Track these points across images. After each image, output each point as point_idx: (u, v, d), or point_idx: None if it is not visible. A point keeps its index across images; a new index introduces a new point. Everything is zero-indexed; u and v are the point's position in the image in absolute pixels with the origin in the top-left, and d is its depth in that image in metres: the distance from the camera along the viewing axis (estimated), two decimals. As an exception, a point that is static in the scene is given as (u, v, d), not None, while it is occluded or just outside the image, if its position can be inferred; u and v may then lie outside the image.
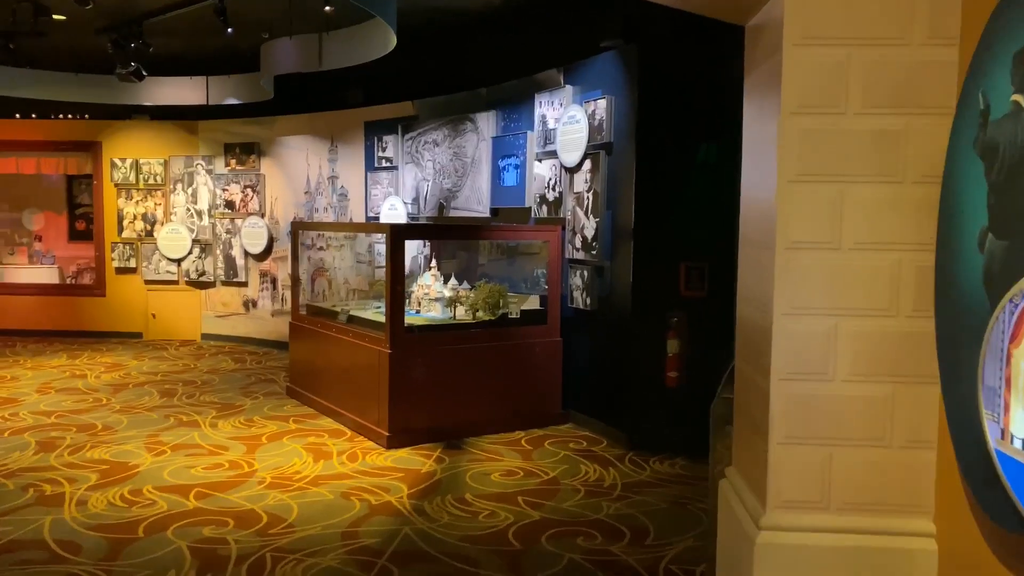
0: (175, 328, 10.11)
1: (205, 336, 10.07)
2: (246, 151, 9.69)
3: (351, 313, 6.29)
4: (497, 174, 6.83)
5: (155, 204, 10.03)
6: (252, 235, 9.61)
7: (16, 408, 6.47)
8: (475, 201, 7.17)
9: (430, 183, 7.69)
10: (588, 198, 5.78)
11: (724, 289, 5.20)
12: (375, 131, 8.36)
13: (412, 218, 7.93)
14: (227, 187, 9.79)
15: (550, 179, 6.22)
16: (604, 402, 5.81)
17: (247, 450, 5.38)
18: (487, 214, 6.99)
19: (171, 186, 10.00)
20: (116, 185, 10.03)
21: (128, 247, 10.05)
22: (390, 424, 5.44)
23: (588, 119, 5.73)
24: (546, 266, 6.32)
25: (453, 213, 7.39)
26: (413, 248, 7.96)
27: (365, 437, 5.68)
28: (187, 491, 4.56)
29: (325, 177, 9.06)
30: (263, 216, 9.61)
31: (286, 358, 8.54)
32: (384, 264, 7.82)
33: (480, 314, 5.99)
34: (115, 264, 10.08)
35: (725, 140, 5.24)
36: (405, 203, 7.99)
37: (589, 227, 5.76)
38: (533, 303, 6.24)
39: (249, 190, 9.67)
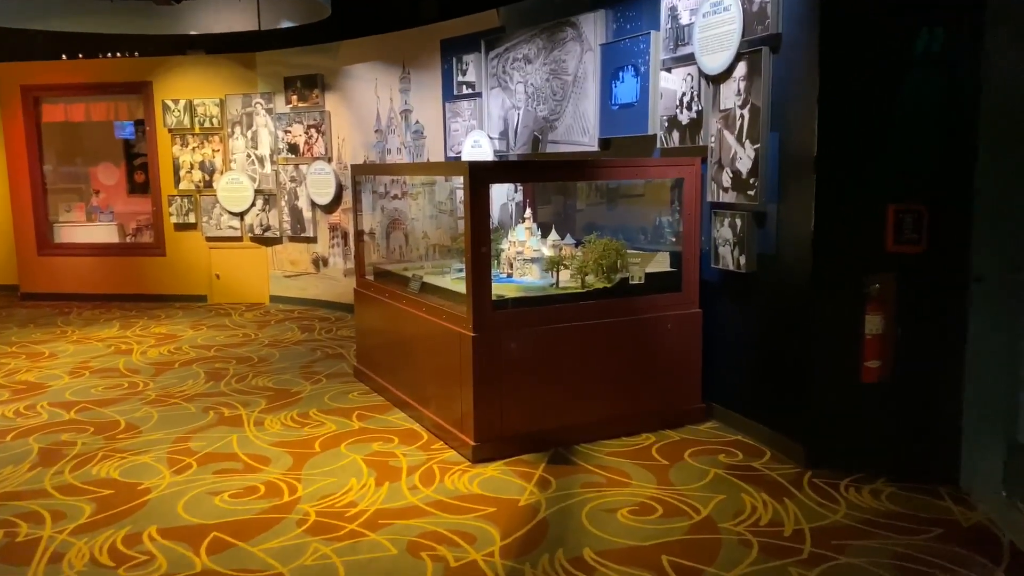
0: (241, 290, 9.03)
1: (274, 299, 8.95)
2: (308, 85, 8.36)
3: (424, 279, 4.90)
4: (608, 94, 5.25)
5: (212, 151, 8.88)
6: (318, 183, 8.35)
7: (38, 397, 5.42)
8: (579, 131, 5.62)
9: (521, 111, 6.18)
10: (742, 117, 4.16)
11: (954, 241, 3.55)
12: (453, 50, 6.86)
13: (500, 156, 6.46)
14: (289, 128, 8.53)
15: (683, 95, 4.62)
16: (766, 398, 4.27)
17: (293, 463, 4.12)
18: (595, 147, 5.44)
19: (229, 129, 8.81)
20: (170, 130, 8.91)
21: (186, 200, 8.97)
22: (476, 429, 4.07)
23: (742, 3, 4.08)
24: (677, 213, 4.75)
25: (551, 148, 5.87)
26: (502, 194, 6.50)
27: (445, 443, 4.34)
28: (200, 537, 3.32)
29: (397, 111, 7.65)
30: (330, 160, 8.32)
31: (357, 327, 7.31)
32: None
33: (591, 279, 4.50)
34: (173, 219, 9.02)
35: (955, 21, 3.52)
36: (491, 138, 6.51)
37: (744, 158, 4.16)
38: (661, 263, 4.71)
39: (313, 131, 8.38)
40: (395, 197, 7.83)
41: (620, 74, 5.13)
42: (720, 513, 3.46)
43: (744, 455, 4.12)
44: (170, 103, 8.82)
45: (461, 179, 4.54)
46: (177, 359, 6.47)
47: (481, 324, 4.03)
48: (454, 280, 4.79)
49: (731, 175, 4.27)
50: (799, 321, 3.95)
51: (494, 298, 4.11)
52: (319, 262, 8.64)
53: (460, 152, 6.79)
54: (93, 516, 3.55)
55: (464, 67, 6.75)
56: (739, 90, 4.17)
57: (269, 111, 8.63)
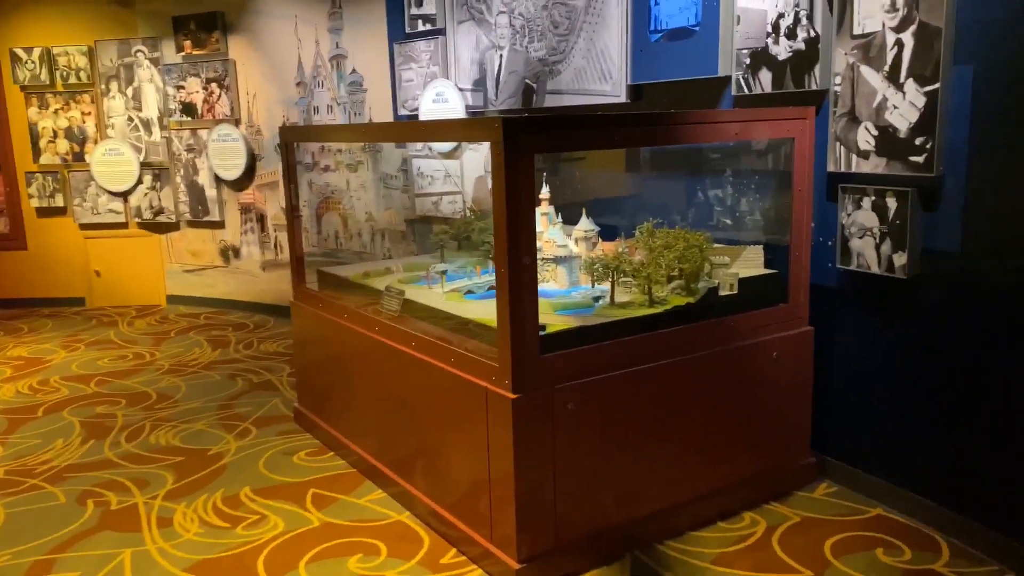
0: (129, 290, 7.17)
1: (172, 300, 7.14)
2: (205, 26, 6.52)
3: (405, 295, 3.33)
4: (644, 20, 3.77)
5: (82, 114, 6.93)
6: (224, 152, 6.57)
7: None
8: (595, 76, 4.12)
9: (505, 52, 4.62)
10: (899, 44, 2.75)
11: None
12: (403, -25, 5.21)
13: (474, 113, 4.90)
14: (183, 83, 6.68)
15: (780, 16, 3.18)
16: (934, 459, 2.93)
17: (226, 612, 2.56)
18: (621, 97, 3.97)
19: (102, 86, 6.88)
20: (23, 88, 6.90)
21: (51, 178, 7.01)
22: (520, 542, 2.59)
23: None
24: (771, 189, 3.35)
25: (552, 101, 4.36)
26: (481, 162, 4.96)
27: (460, 550, 2.85)
28: None
29: (326, 58, 5.95)
30: (238, 123, 6.54)
31: (288, 334, 5.68)
32: (441, 191, 4.93)
33: (663, 292, 3.05)
34: (34, 203, 7.06)
35: None
36: (461, 89, 4.93)
37: (902, 106, 2.76)
38: (752, 261, 3.30)
39: (214, 86, 6.56)
40: (326, 169, 6.16)
41: (666, -8, 3.64)
42: None
43: (911, 547, 2.79)
44: (21, 52, 6.80)
45: (466, 148, 2.98)
46: (41, 401, 4.70)
47: (525, 377, 2.53)
48: (449, 295, 3.23)
49: (875, 133, 2.87)
50: (1006, 352, 2.61)
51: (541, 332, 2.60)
52: (229, 252, 6.88)
53: (417, 109, 5.18)
54: None
55: (419, -4, 5.11)
56: (893, 3, 2.76)
57: (155, 62, 6.74)
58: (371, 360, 3.37)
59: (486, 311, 2.90)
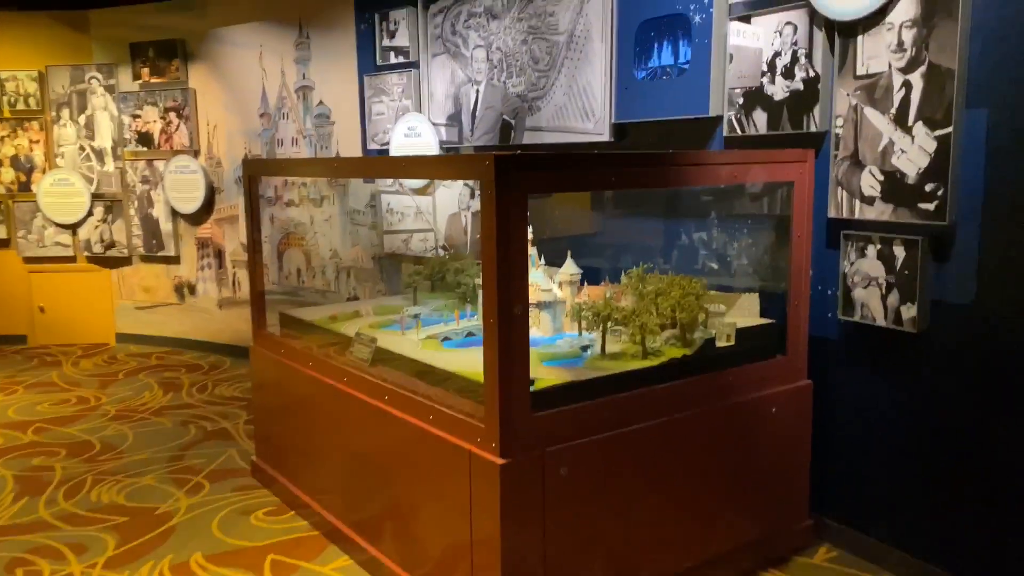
0: (76, 327, 6.77)
1: (121, 338, 6.76)
2: (165, 53, 6.25)
3: (378, 343, 3.08)
4: (630, 57, 3.62)
5: (30, 142, 6.59)
6: (181, 185, 6.27)
7: None
8: (577, 113, 3.95)
9: (482, 87, 4.44)
10: (907, 86, 2.62)
11: None
12: (374, 5, 5.02)
13: (448, 149, 4.70)
14: (139, 112, 6.38)
15: (777, 54, 3.04)
16: (937, 525, 2.75)
17: None
18: (604, 135, 3.80)
19: (53, 113, 6.55)
20: (-34, 114, 6.56)
21: (-6, 208, 6.64)
22: (505, 622, 2.33)
23: (915, -98, 2.55)
24: (765, 232, 3.20)
25: (531, 138, 4.18)
26: (450, 199, 4.76)
27: (437, 629, 2.58)
28: None
29: (291, 89, 5.72)
30: (196, 155, 6.26)
31: (246, 376, 5.38)
32: (412, 228, 4.71)
33: (657, 342, 2.84)
34: (-25, 235, 6.67)
35: None
36: (435, 124, 4.73)
37: (910, 151, 2.62)
38: (748, 310, 3.12)
39: (173, 115, 6.28)
40: (289, 204, 5.90)
41: (654, 27, 3.50)
42: None
43: (924, 622, 2.60)
44: (-35, 76, 6.47)
45: (437, 185, 2.78)
46: (-28, 452, 4.32)
47: (514, 440, 2.29)
48: (426, 343, 2.99)
49: (881, 178, 2.72)
50: (1019, 412, 2.46)
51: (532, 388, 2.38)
52: (184, 289, 6.55)
53: (388, 144, 4.97)
54: None
55: (392, 27, 4.92)
56: (900, 43, 2.63)
57: (110, 89, 6.45)
58: (339, 413, 3.10)
59: (468, 362, 2.68)
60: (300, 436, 3.44)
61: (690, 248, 3.49)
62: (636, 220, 3.80)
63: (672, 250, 3.55)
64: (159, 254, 6.52)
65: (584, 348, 2.93)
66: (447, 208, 4.79)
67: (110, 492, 3.74)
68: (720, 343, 2.87)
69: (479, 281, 3.46)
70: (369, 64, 5.12)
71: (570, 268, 3.30)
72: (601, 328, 2.83)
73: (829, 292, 2.99)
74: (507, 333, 2.23)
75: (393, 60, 4.94)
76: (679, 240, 3.54)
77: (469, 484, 2.39)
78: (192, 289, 6.49)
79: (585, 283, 3.31)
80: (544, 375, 2.57)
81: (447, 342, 3.11)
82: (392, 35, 4.93)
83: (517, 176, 2.19)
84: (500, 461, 2.27)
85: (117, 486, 3.81)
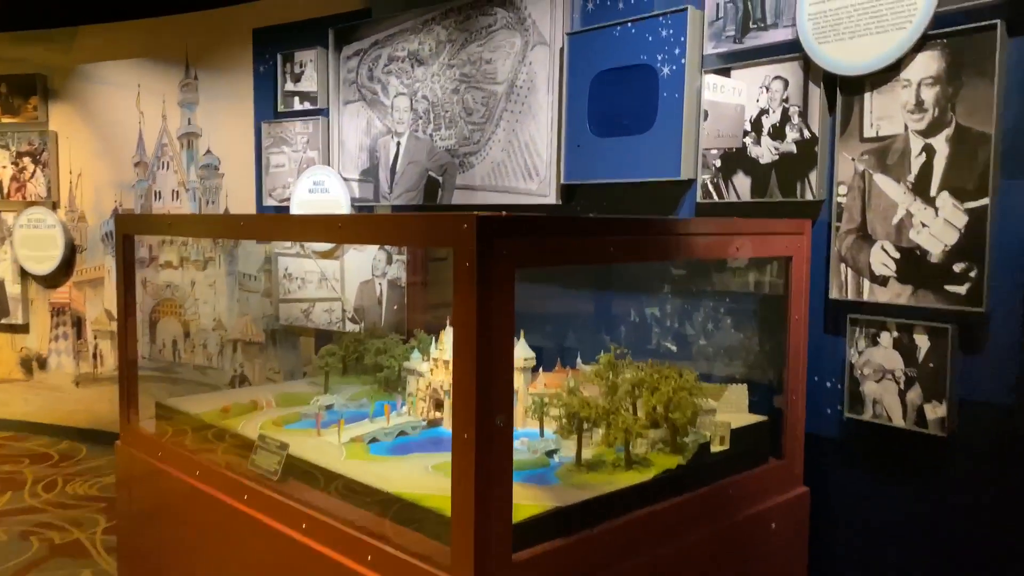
0: None
1: (-50, 420, 5.69)
2: (20, 91, 5.41)
3: (289, 447, 2.42)
4: (580, 112, 3.19)
5: None
6: (34, 241, 5.37)
7: None
8: (518, 172, 3.49)
9: (404, 139, 3.92)
10: (928, 151, 2.28)
11: None
12: (277, 44, 4.44)
13: (361, 207, 4.13)
14: (-15, 155, 5.49)
15: (763, 112, 2.68)
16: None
17: None
18: (549, 196, 3.35)
19: None
20: None
21: None
22: None
23: (937, -54, 2.24)
24: (750, 313, 2.79)
25: (462, 198, 3.68)
26: (362, 262, 4.17)
27: None
28: None
29: (174, 135, 5.01)
30: (55, 207, 5.40)
31: (106, 469, 4.53)
32: (315, 297, 4.12)
33: (641, 448, 2.34)
34: None
35: None
36: (347, 180, 4.16)
37: (933, 225, 2.27)
38: (735, 404, 2.68)
39: (27, 160, 5.41)
40: (167, 265, 5.13)
41: (614, 78, 3.09)
42: None
43: None
44: None
45: (386, 252, 2.22)
46: None
47: (491, 598, 1.71)
48: (351, 448, 2.36)
49: (896, 255, 2.36)
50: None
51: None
52: (32, 363, 5.58)
53: (288, 199, 4.34)
54: None
55: (298, 69, 4.35)
56: (919, 102, 2.30)
57: (-51, 127, 5.52)
58: (237, 541, 2.41)
59: (409, 476, 2.10)
60: (182, 564, 2.70)
61: (639, 325, 3.04)
62: (590, 293, 3.32)
63: (634, 329, 3.09)
64: (3, 321, 5.54)
65: (550, 453, 2.39)
66: (358, 275, 4.19)
67: (-86, 642, 2.86)
68: (714, 447, 2.40)
69: (409, 364, 2.90)
70: (268, 110, 4.52)
71: (523, 352, 2.77)
72: (577, 432, 2.30)
73: (828, 384, 2.58)
74: (487, 453, 1.67)
75: (297, 106, 4.35)
76: (639, 318, 3.08)
77: (426, 655, 1.77)
78: (43, 363, 5.54)
79: (540, 369, 2.79)
80: (517, 497, 2.01)
81: (374, 445, 2.50)
82: (297, 78, 4.35)
83: (503, 245, 1.66)
84: (475, 630, 1.68)
85: (-75, 632, 2.93)
